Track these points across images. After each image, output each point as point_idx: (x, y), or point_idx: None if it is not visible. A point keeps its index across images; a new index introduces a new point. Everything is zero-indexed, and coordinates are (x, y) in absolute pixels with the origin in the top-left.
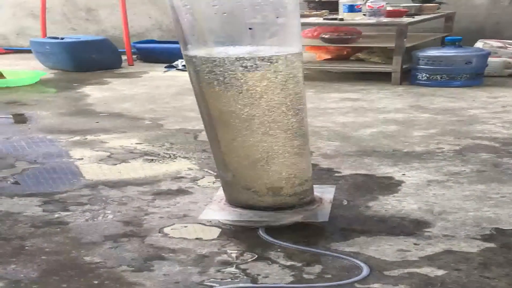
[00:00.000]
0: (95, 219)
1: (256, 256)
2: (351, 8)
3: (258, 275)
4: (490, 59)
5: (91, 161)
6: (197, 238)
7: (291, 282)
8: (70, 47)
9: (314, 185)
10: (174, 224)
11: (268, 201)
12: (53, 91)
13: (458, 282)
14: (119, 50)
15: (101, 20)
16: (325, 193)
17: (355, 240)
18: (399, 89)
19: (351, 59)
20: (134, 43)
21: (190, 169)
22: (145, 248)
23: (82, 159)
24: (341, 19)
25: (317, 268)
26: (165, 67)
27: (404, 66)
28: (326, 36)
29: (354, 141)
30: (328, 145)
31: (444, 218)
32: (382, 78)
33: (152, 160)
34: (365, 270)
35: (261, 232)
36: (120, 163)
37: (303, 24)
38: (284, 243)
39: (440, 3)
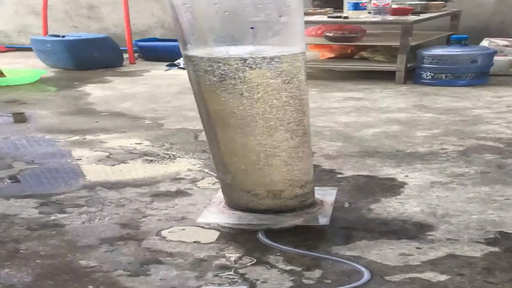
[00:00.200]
0: (92, 222)
1: (255, 260)
2: (356, 6)
3: (257, 280)
4: (495, 58)
5: (89, 162)
6: (195, 242)
7: (290, 287)
8: (71, 45)
9: (315, 187)
10: (172, 226)
11: (268, 204)
12: (54, 90)
13: (461, 287)
14: (121, 48)
15: (103, 17)
16: (327, 195)
17: (356, 244)
18: (403, 88)
19: (355, 58)
20: (136, 41)
21: (189, 170)
22: (142, 252)
23: (81, 159)
24: (346, 17)
25: (317, 273)
26: (167, 65)
27: (408, 65)
28: (330, 34)
29: (356, 142)
30: (330, 146)
31: (447, 221)
32: (386, 77)
33: (152, 160)
34: (366, 275)
35: (260, 236)
36: (119, 164)
37: (307, 22)
38: (284, 247)
39: (446, 0)
